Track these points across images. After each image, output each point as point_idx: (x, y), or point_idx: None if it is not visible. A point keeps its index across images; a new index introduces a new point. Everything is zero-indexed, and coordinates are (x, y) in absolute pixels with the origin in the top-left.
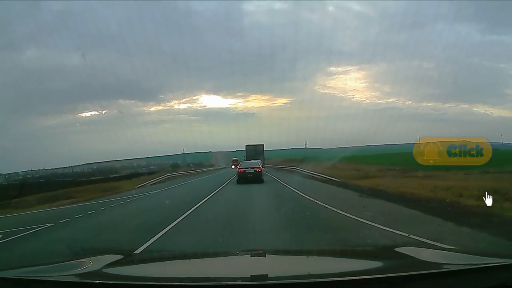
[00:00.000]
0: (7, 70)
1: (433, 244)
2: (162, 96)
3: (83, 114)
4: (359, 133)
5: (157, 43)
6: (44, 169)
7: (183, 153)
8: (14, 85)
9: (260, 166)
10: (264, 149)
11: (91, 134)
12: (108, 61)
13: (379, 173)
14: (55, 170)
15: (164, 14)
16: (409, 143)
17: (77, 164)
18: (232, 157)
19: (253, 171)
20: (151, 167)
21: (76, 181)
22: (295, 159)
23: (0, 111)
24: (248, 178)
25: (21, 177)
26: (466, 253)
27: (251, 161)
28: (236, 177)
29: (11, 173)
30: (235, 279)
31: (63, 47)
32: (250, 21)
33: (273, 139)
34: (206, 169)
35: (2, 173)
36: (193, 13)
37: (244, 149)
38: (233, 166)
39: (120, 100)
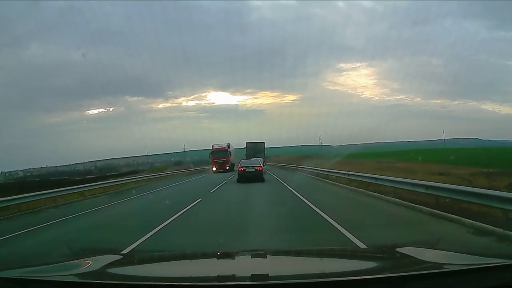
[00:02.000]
0: (12, 67)
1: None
2: (170, 93)
3: (90, 112)
4: (369, 130)
5: (164, 40)
6: (46, 166)
7: (184, 151)
8: (18, 82)
9: (261, 165)
10: (265, 147)
11: (97, 131)
12: (114, 58)
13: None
14: (57, 168)
15: (171, 9)
16: (418, 140)
17: (82, 162)
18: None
19: (253, 170)
20: (155, 164)
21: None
22: (309, 156)
23: (4, 108)
24: (248, 177)
25: (19, 176)
26: (466, 253)
27: (252, 159)
28: (236, 176)
29: (12, 171)
30: (235, 278)
31: (68, 44)
32: (257, 16)
33: (282, 136)
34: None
35: (3, 171)
36: (200, 8)
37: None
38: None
39: (127, 97)
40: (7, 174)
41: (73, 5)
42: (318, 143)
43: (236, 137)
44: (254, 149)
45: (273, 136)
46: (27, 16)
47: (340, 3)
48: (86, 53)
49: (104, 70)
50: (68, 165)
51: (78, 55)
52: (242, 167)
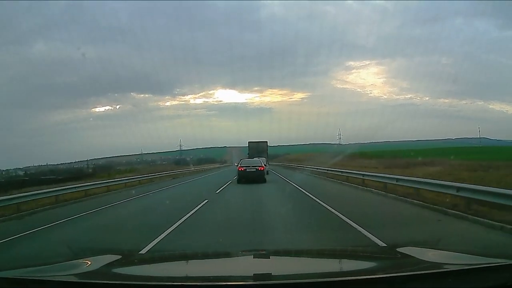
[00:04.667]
0: (17, 65)
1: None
2: (178, 90)
3: (96, 109)
4: (378, 128)
5: (172, 37)
6: (46, 164)
7: (180, 150)
8: (24, 80)
9: (263, 164)
10: (273, 146)
11: (103, 129)
12: (121, 55)
13: None
14: (57, 165)
15: (179, 6)
16: (428, 139)
17: (83, 160)
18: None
19: (254, 169)
20: (162, 163)
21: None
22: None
23: (9, 107)
24: (249, 178)
25: (13, 174)
26: (467, 253)
27: (253, 159)
28: (237, 177)
29: (10, 169)
30: (237, 278)
31: (74, 41)
32: (266, 13)
33: (291, 135)
34: (206, 166)
35: (1, 168)
36: (209, 5)
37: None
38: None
39: (134, 94)
40: (3, 172)
41: (79, 2)
42: (326, 142)
43: (244, 134)
44: (257, 148)
45: (281, 135)
46: (33, 14)
47: (351, 1)
48: (92, 50)
49: (110, 67)
50: (70, 162)
51: (84, 53)
52: (243, 166)
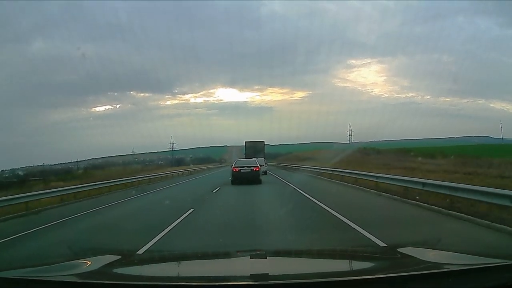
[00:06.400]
0: (16, 63)
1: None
2: (178, 89)
3: (96, 108)
4: (379, 127)
5: (171, 35)
6: (42, 164)
7: (172, 150)
8: (22, 78)
9: (258, 165)
10: (265, 145)
11: (103, 128)
12: (120, 54)
13: None
14: (53, 166)
15: (179, 4)
16: (429, 138)
17: (83, 159)
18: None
19: (249, 170)
20: (159, 162)
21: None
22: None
23: (8, 105)
24: (244, 178)
25: (6, 175)
26: (467, 253)
27: (248, 159)
28: (231, 178)
29: (6, 170)
30: (235, 279)
31: (73, 39)
32: (266, 11)
33: (291, 134)
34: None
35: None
36: (208, 3)
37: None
38: None
39: (133, 93)
40: None
41: (79, 1)
42: (327, 141)
43: (245, 133)
44: (254, 148)
45: (282, 134)
46: (32, 12)
47: None
48: (92, 48)
49: (110, 65)
50: (66, 162)
51: (84, 51)
52: (237, 167)
